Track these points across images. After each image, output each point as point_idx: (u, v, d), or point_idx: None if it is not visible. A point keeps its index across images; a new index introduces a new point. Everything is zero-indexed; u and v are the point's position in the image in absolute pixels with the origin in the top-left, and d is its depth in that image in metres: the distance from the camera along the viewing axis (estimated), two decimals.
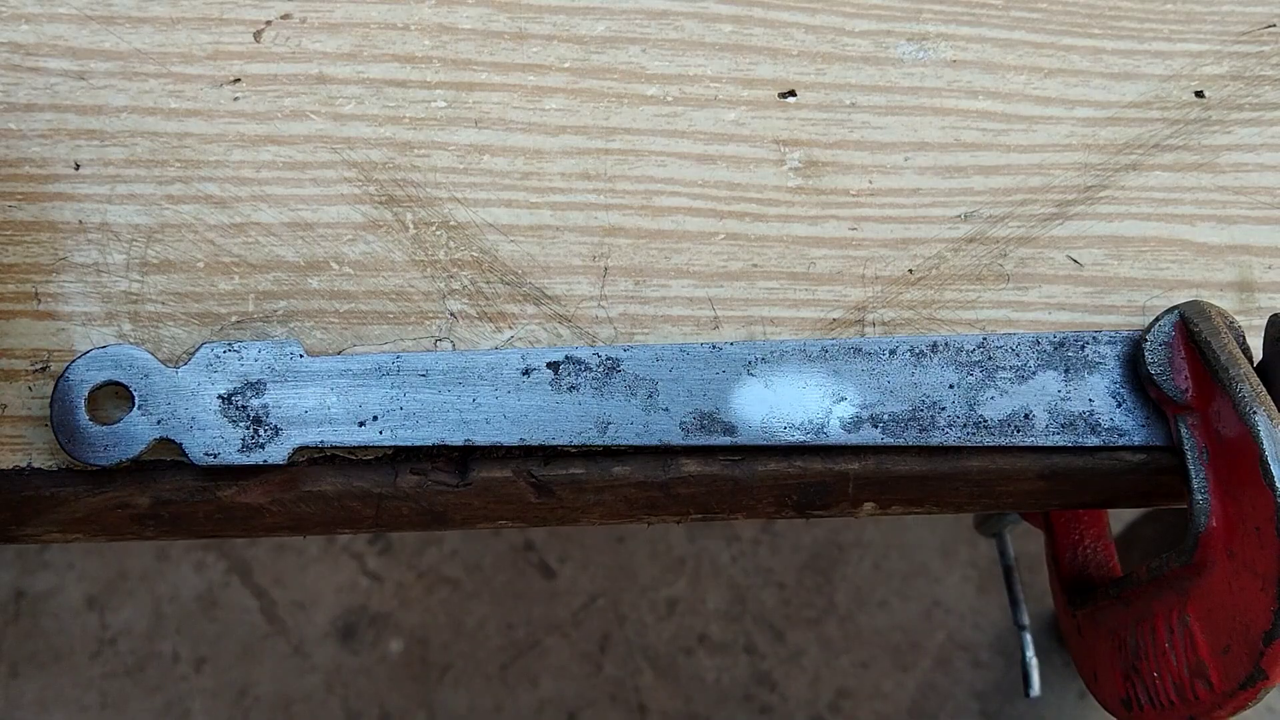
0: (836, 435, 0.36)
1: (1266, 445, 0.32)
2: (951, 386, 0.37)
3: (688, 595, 1.13)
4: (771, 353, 0.36)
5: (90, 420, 0.34)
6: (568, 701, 1.08)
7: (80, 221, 0.37)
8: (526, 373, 0.36)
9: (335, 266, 0.37)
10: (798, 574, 1.14)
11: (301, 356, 0.35)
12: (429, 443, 0.35)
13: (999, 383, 0.37)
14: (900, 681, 1.10)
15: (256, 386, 0.35)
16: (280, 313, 0.37)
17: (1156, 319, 0.36)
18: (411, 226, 0.38)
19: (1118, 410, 0.37)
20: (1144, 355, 0.36)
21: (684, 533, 1.15)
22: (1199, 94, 0.43)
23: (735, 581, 1.13)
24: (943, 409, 0.36)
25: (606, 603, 1.12)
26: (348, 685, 1.08)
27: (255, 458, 0.34)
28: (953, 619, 1.12)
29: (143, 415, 0.34)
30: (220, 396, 0.35)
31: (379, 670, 1.08)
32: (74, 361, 0.34)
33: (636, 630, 1.11)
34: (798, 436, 0.36)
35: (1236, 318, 0.36)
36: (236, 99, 0.39)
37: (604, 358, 0.36)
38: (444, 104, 0.40)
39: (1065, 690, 1.07)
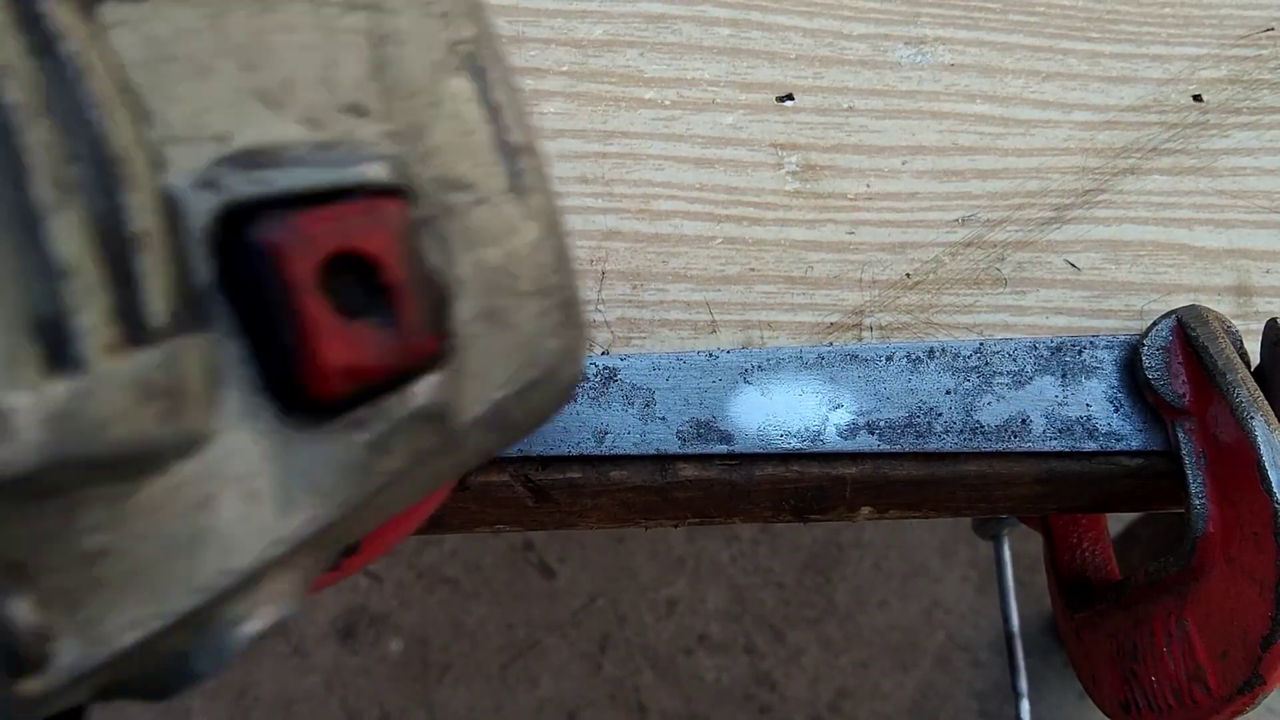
0: (833, 442, 0.36)
1: (1264, 450, 0.32)
2: (948, 392, 0.37)
3: (688, 595, 1.13)
4: (768, 360, 0.36)
5: None
6: (568, 701, 1.08)
7: None
8: None
9: None
10: (798, 574, 1.14)
11: None
12: None
13: (996, 388, 0.37)
14: (900, 681, 1.10)
15: None
16: None
17: (1154, 323, 0.36)
18: None
19: (1115, 415, 0.37)
20: (1141, 360, 0.36)
21: (684, 533, 1.15)
22: (1197, 98, 0.43)
23: (735, 581, 1.14)
24: (939, 415, 0.36)
25: (606, 603, 1.12)
26: (348, 685, 1.08)
27: None
28: (952, 619, 1.12)
29: None
30: None
31: (379, 670, 1.09)
32: None
33: (636, 630, 1.11)
34: (794, 444, 0.36)
35: (1234, 322, 0.36)
36: None
37: (601, 367, 0.36)
38: None
39: (1064, 691, 1.07)
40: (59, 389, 0.16)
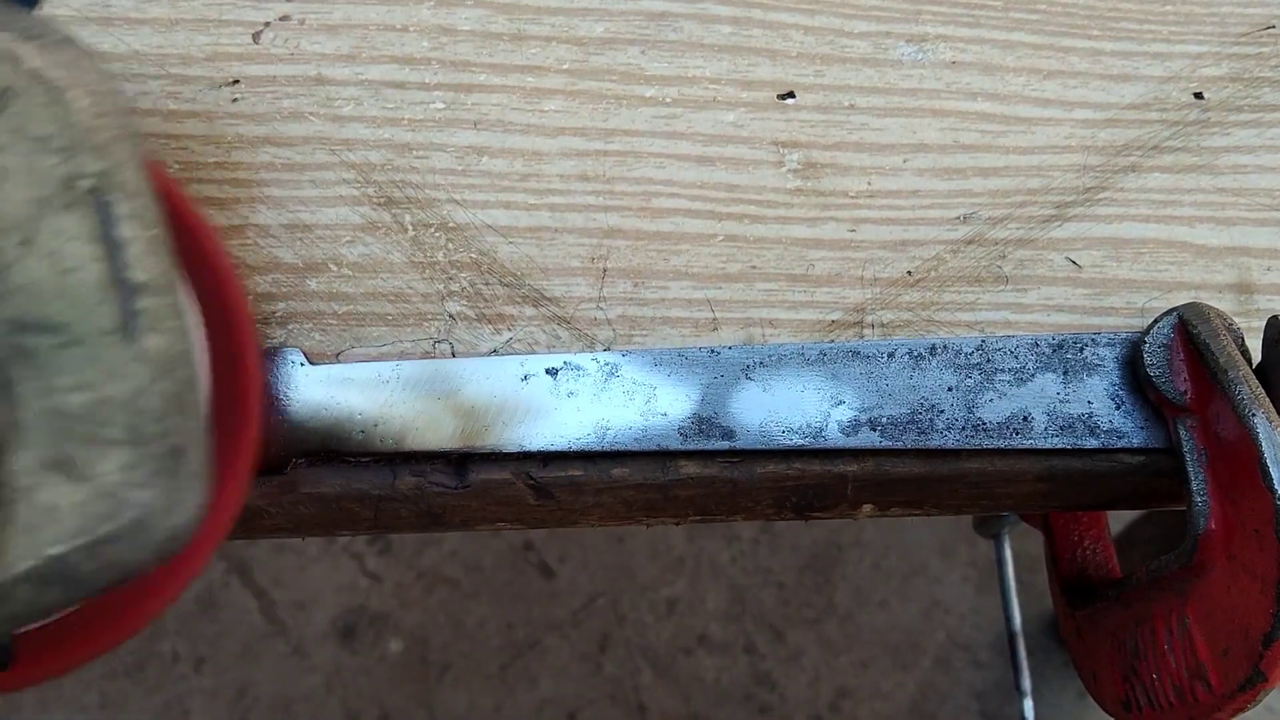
0: (835, 439, 0.36)
1: (1265, 448, 0.32)
2: (950, 389, 0.37)
3: (688, 595, 1.13)
4: (770, 356, 0.36)
5: None
6: (568, 701, 1.08)
7: None
8: (525, 379, 0.36)
9: (334, 268, 0.37)
10: (797, 574, 1.14)
11: (302, 365, 0.35)
12: (428, 449, 0.35)
13: (998, 385, 0.37)
14: (900, 681, 1.10)
15: None
16: (279, 314, 0.37)
17: (1155, 321, 0.36)
18: (410, 228, 0.38)
19: (1116, 412, 0.37)
20: (1143, 357, 0.36)
21: (684, 533, 1.15)
22: (1198, 95, 0.43)
23: (735, 581, 1.13)
24: (941, 412, 0.36)
25: (606, 603, 1.12)
26: (348, 685, 1.08)
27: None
28: (952, 619, 1.12)
29: None
30: None
31: (379, 670, 1.09)
32: None
33: (636, 630, 1.11)
34: (796, 440, 0.36)
35: (1235, 320, 0.36)
36: (235, 100, 0.39)
37: (602, 363, 0.36)
38: (443, 105, 0.40)
39: (1065, 690, 1.07)
40: None
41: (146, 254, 0.24)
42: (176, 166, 0.38)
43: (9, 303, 0.22)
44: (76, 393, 0.23)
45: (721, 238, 0.39)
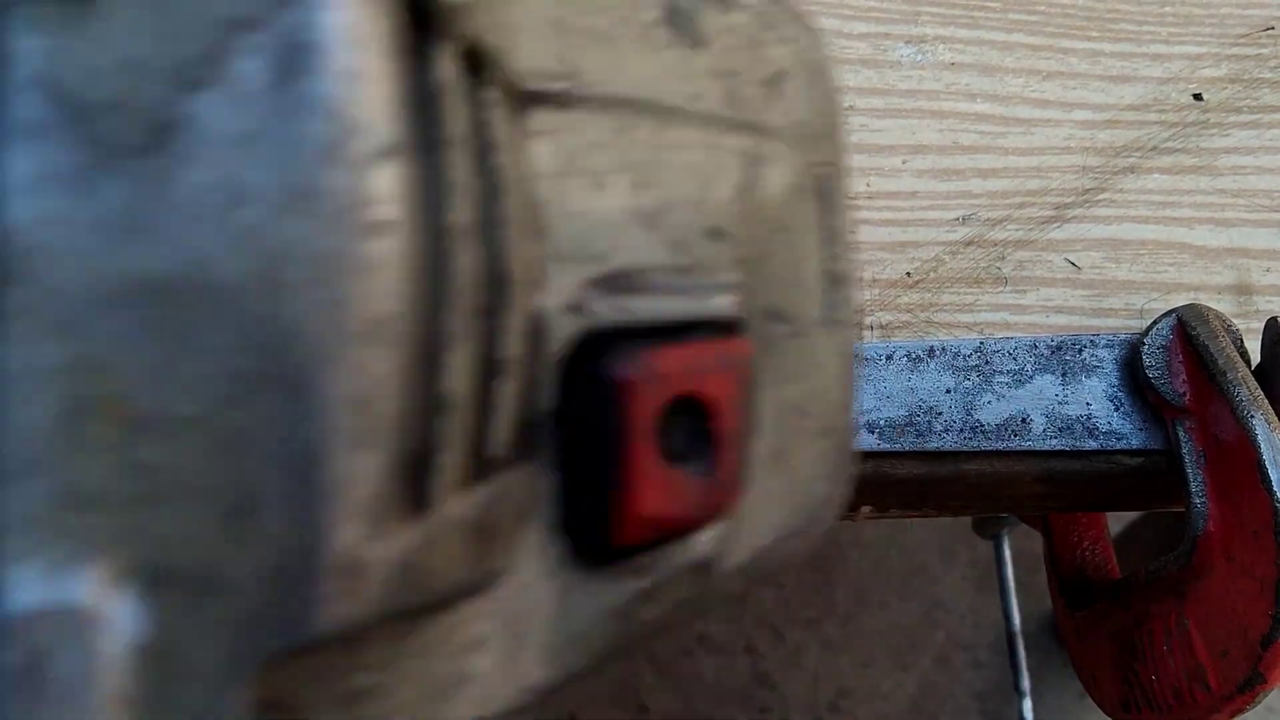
0: None
1: (1264, 449, 0.32)
2: (948, 391, 0.37)
3: None
4: None
5: None
6: (568, 701, 1.08)
7: None
8: None
9: None
10: (797, 574, 1.14)
11: None
12: None
13: (996, 387, 0.37)
14: (900, 681, 1.10)
15: None
16: None
17: (1154, 322, 0.36)
18: None
19: (1115, 414, 0.37)
20: (1142, 359, 0.36)
21: None
22: (1197, 97, 0.43)
23: None
24: (940, 414, 0.36)
25: None
26: None
27: None
28: (952, 619, 1.12)
29: None
30: None
31: None
32: None
33: None
34: None
35: (1234, 321, 0.36)
36: None
37: None
38: None
39: (1065, 690, 1.07)
40: (409, 538, 0.14)
41: (846, 245, 0.24)
42: None
43: (765, 291, 0.22)
44: (794, 384, 0.22)
45: None
